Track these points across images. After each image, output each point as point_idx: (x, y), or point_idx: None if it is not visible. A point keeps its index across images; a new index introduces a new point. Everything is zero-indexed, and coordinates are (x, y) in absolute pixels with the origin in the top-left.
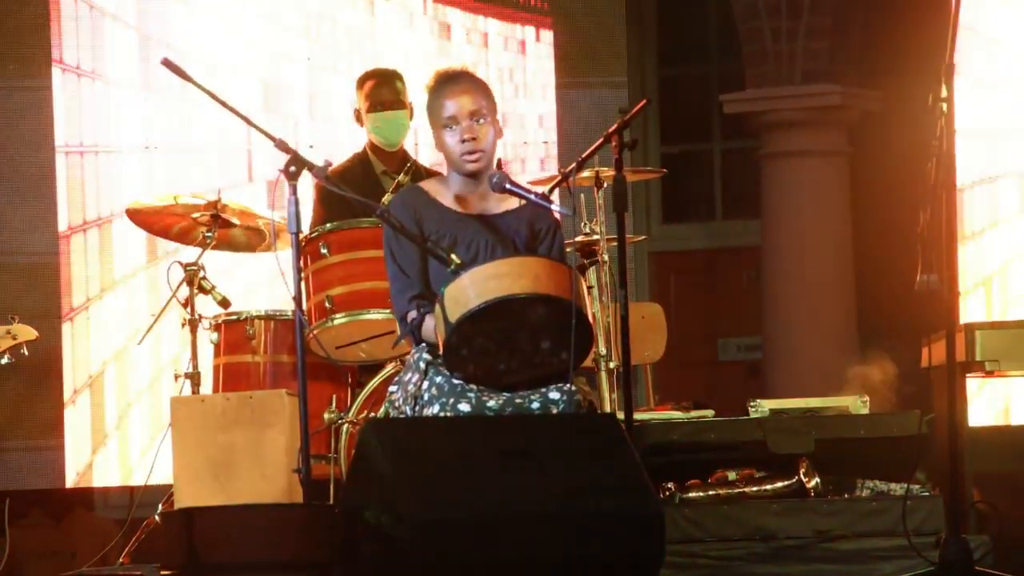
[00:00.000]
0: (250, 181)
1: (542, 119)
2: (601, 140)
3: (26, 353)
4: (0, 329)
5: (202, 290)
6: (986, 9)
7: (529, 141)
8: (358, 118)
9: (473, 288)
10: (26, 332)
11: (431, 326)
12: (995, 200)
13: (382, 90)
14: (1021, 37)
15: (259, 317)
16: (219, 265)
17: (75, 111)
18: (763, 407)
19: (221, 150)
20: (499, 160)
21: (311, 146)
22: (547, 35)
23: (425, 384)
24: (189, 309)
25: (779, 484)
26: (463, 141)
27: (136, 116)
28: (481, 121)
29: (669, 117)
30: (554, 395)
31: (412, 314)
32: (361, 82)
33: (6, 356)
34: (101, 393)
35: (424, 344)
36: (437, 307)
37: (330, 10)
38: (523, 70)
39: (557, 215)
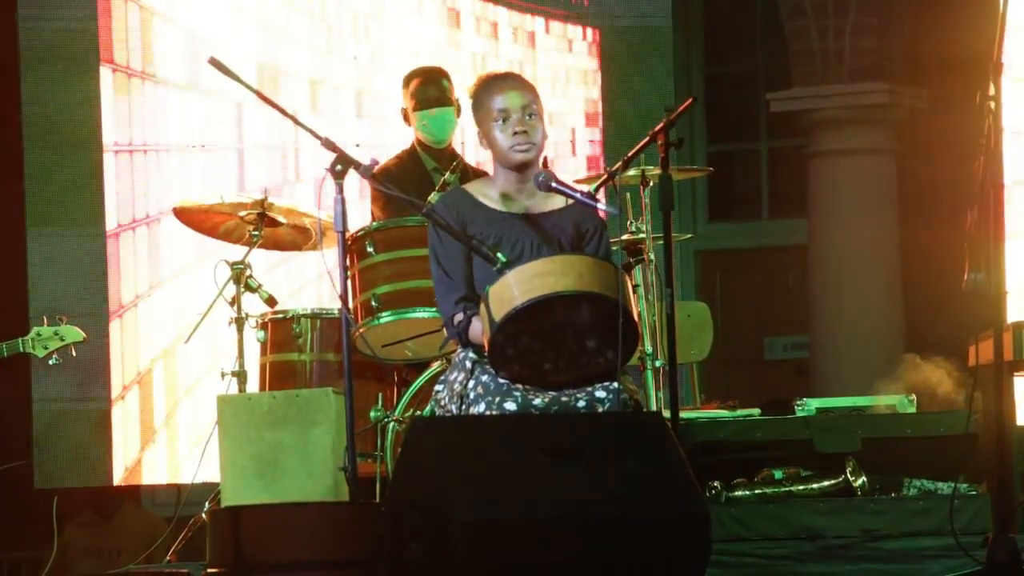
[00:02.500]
0: (297, 180)
1: (588, 118)
2: (647, 139)
3: (74, 354)
4: (48, 330)
5: (249, 288)
6: None
7: (575, 140)
8: (405, 117)
9: (518, 287)
10: (74, 334)
11: (478, 329)
12: None
13: (428, 88)
14: None
15: (305, 316)
16: (266, 264)
17: (123, 110)
18: (810, 406)
19: (268, 149)
20: (544, 158)
21: (357, 145)
22: (593, 34)
23: (471, 383)
24: (236, 307)
25: (826, 483)
26: (515, 133)
27: (184, 115)
28: (532, 116)
29: (715, 116)
30: (600, 394)
31: (459, 316)
32: (407, 80)
33: (55, 357)
34: (149, 391)
35: (470, 345)
36: (482, 306)
37: (377, 9)
38: (569, 69)
39: (603, 214)
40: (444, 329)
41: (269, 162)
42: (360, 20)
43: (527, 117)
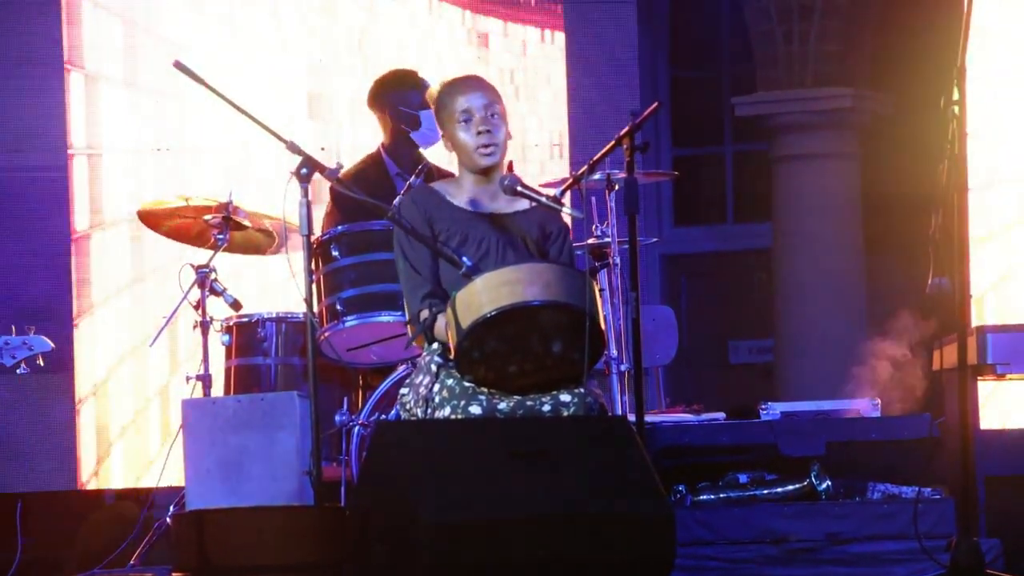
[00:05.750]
0: (263, 183)
1: (553, 121)
2: (613, 143)
3: (42, 364)
4: (16, 340)
5: (214, 292)
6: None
7: (540, 143)
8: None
9: (486, 294)
10: (42, 343)
11: (443, 326)
12: (1008, 202)
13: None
14: None
15: (270, 319)
16: (231, 267)
17: (88, 113)
18: (774, 409)
19: (234, 152)
20: (510, 162)
21: (322, 148)
22: (559, 37)
23: (436, 386)
24: (200, 311)
25: (790, 487)
26: (478, 134)
27: (150, 118)
28: (494, 116)
29: (681, 120)
30: (565, 397)
31: (424, 313)
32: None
33: (23, 366)
34: (113, 395)
35: (436, 346)
36: (449, 310)
37: (366, 16)
38: (535, 72)
39: (568, 218)
40: (408, 327)
41: (235, 166)
42: (348, 28)
43: (490, 117)
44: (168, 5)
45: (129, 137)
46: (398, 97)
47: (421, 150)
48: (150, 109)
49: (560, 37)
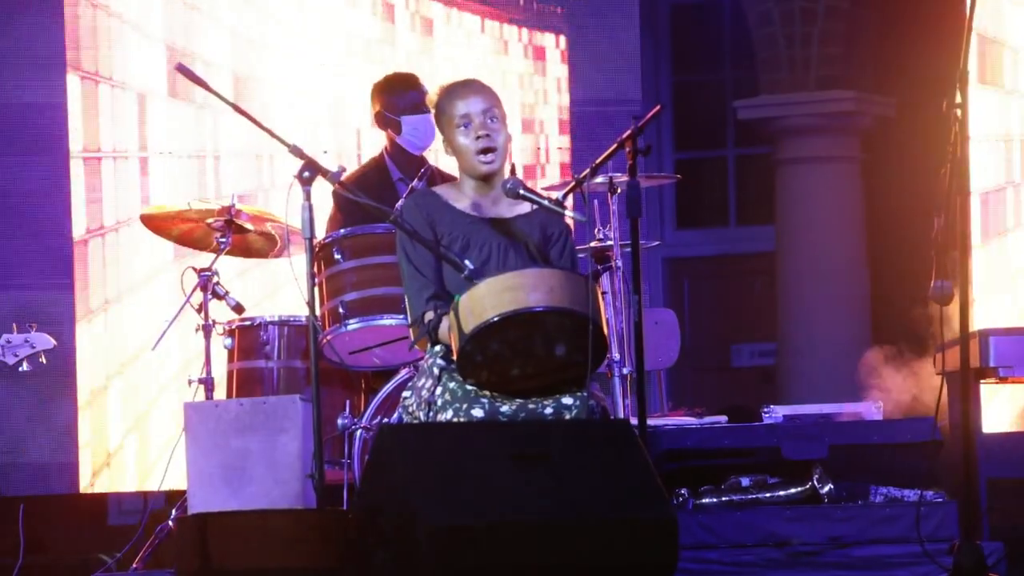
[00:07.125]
0: (265, 187)
1: (555, 125)
2: (615, 146)
3: (44, 362)
4: (19, 337)
5: (216, 295)
6: (1005, 16)
7: (542, 147)
8: (382, 122)
9: (489, 299)
10: (44, 341)
11: (447, 328)
12: (1012, 206)
13: (410, 93)
14: None
15: (273, 323)
16: (233, 270)
17: (90, 116)
18: (776, 413)
19: (237, 156)
20: (512, 166)
21: (325, 151)
22: (561, 41)
23: (438, 390)
24: (203, 314)
25: (792, 490)
26: (477, 138)
27: (152, 121)
28: (493, 120)
29: (683, 123)
30: (567, 400)
31: (429, 315)
32: (390, 87)
33: (25, 364)
34: (115, 398)
35: (438, 349)
36: (452, 314)
37: (349, 17)
38: (537, 76)
39: (571, 221)
40: (411, 329)
41: (239, 169)
42: (331, 29)
43: (489, 121)
44: (170, 7)
45: (132, 140)
46: (385, 101)
47: (423, 153)
48: (152, 112)
49: (563, 41)
